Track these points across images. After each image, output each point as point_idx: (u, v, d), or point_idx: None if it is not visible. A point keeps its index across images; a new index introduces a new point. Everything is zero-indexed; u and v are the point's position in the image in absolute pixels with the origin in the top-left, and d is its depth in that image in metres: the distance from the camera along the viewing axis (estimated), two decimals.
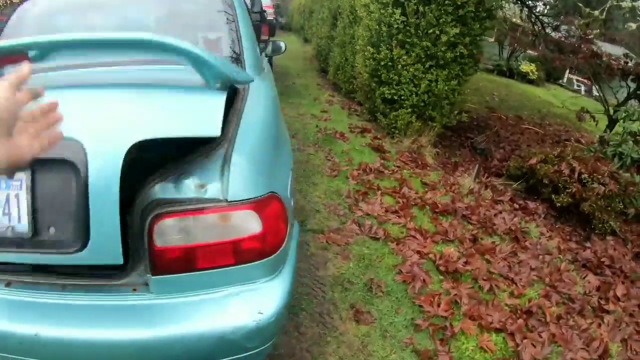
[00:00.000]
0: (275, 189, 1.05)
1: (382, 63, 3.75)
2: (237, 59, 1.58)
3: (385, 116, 4.08)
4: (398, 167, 3.59)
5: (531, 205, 3.05)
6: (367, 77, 4.04)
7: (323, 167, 3.53)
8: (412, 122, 3.80)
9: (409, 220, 2.72)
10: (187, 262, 0.96)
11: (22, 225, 0.90)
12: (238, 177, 0.93)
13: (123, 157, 0.87)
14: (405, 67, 3.65)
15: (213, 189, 0.92)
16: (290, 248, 1.21)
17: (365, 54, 3.92)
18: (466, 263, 2.30)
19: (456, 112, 3.82)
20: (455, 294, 2.05)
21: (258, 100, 1.30)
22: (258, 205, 0.95)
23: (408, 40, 3.60)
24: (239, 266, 1.00)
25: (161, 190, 0.92)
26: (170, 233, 0.92)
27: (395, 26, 3.61)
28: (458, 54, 3.58)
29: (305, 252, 2.37)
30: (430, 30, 3.53)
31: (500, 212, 2.84)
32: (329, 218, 2.74)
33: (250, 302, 1.00)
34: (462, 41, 3.56)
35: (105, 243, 0.91)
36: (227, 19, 1.75)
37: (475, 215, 2.78)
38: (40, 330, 0.91)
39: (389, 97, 3.82)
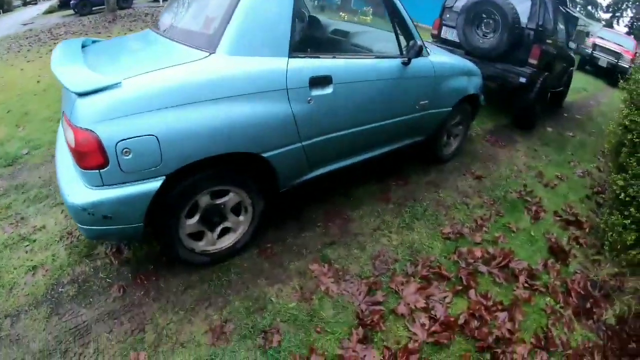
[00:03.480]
0: (99, 130, 1.43)
1: (630, 136, 2.21)
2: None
3: (610, 216, 2.48)
4: (545, 289, 2.19)
5: None
6: (611, 149, 2.52)
7: (454, 223, 2.68)
8: (630, 246, 2.15)
9: (429, 341, 1.78)
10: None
11: None
12: (75, 110, 1.45)
13: None
14: None
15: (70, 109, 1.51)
16: (128, 187, 1.55)
17: (623, 112, 2.41)
18: None
19: None
20: None
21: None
22: (76, 130, 1.44)
23: None
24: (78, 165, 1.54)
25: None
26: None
27: None
28: None
29: (280, 262, 2.12)
30: None
31: None
32: (358, 262, 2.20)
33: (74, 191, 1.57)
34: None
35: None
36: None
37: None
38: None
39: (618, 191, 2.27)
